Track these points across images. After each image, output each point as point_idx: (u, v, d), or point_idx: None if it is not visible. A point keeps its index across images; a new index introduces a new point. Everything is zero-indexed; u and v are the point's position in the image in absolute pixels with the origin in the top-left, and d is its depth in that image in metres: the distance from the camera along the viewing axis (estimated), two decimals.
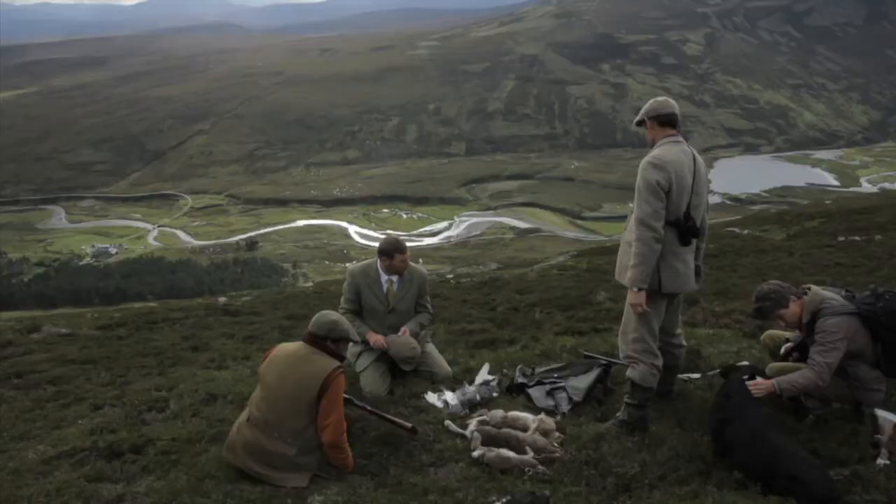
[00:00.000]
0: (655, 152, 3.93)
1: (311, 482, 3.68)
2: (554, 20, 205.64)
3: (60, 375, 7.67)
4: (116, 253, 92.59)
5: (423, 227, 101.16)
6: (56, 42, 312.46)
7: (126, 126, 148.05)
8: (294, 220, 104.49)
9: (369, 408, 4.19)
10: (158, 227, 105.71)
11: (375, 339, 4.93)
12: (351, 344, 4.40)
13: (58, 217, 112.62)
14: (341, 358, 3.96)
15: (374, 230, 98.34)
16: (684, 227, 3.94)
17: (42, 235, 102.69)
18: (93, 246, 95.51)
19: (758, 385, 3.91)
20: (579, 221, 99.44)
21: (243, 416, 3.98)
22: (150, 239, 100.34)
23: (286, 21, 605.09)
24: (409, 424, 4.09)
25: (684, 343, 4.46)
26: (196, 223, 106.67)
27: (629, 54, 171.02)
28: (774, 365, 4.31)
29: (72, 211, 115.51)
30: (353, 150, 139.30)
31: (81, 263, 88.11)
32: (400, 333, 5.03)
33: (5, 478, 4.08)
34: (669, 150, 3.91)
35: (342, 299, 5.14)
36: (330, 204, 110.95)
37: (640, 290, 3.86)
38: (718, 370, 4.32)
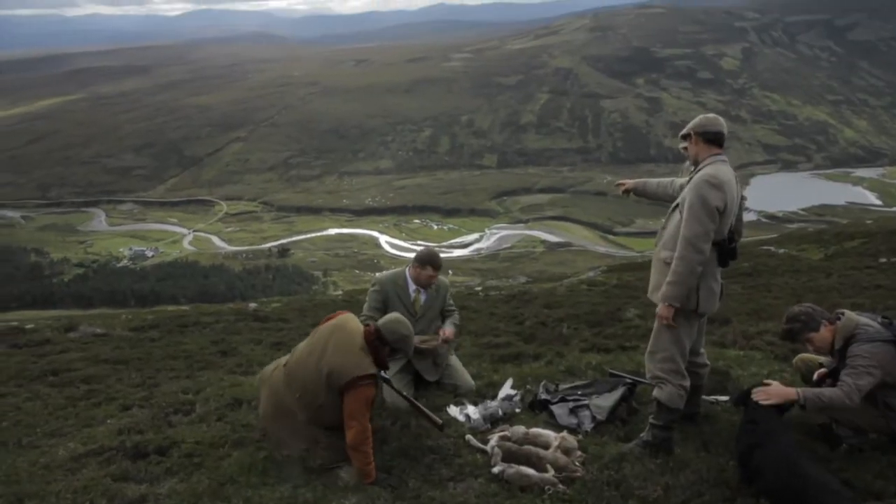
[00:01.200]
0: (710, 171, 3.79)
1: (297, 462, 3.83)
2: (589, 34, 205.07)
3: (93, 374, 7.86)
4: (152, 256, 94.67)
5: (453, 238, 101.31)
6: (103, 51, 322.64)
7: (165, 132, 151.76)
8: (326, 229, 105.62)
9: (405, 394, 4.28)
10: (194, 231, 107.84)
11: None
12: None
13: (98, 220, 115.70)
14: (385, 366, 4.03)
15: (405, 240, 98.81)
16: (727, 249, 3.85)
17: (83, 237, 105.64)
18: (130, 249, 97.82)
19: (769, 391, 3.75)
20: (610, 236, 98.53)
21: (284, 358, 4.14)
22: (186, 243, 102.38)
23: (323, 32, 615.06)
24: (439, 421, 4.13)
25: (708, 362, 4.38)
26: (230, 229, 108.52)
27: (664, 68, 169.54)
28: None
29: (112, 214, 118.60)
30: (386, 160, 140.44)
31: (119, 265, 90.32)
32: (444, 333, 5.06)
33: (36, 473, 4.20)
34: (723, 170, 3.79)
35: (366, 307, 5.13)
36: (361, 213, 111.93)
37: (671, 305, 3.80)
38: (733, 398, 4.19)
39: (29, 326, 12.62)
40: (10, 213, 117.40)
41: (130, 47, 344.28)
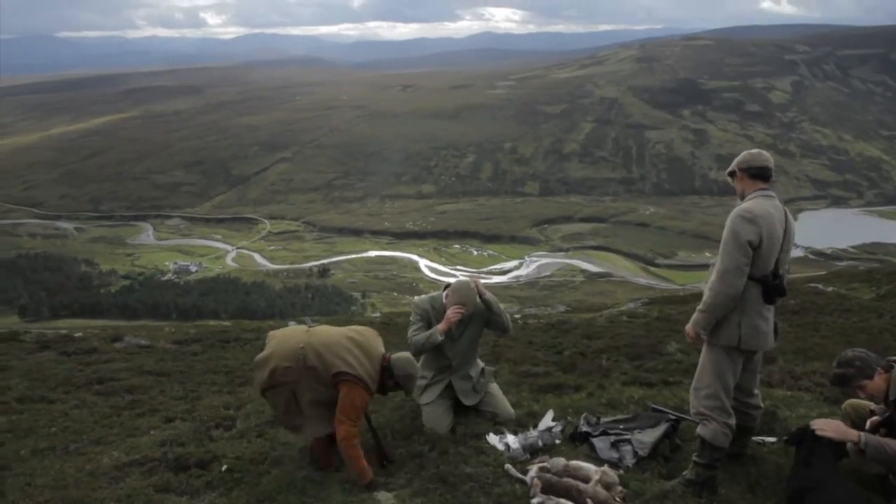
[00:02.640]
0: (746, 205, 3.80)
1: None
2: (635, 64, 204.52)
3: (137, 385, 8.04)
4: (196, 271, 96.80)
5: (493, 264, 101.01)
6: (159, 71, 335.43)
7: (214, 151, 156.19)
8: (366, 251, 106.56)
9: (371, 419, 4.41)
10: (237, 248, 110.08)
11: (446, 320, 4.81)
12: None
13: (146, 233, 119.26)
14: (384, 393, 4.28)
15: (444, 265, 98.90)
16: (771, 285, 3.78)
17: (131, 250, 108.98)
18: (175, 263, 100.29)
19: (829, 424, 3.64)
20: (652, 268, 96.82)
21: (303, 327, 4.36)
22: (229, 259, 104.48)
23: (372, 57, 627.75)
24: (390, 457, 4.26)
25: (761, 405, 4.25)
26: (272, 247, 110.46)
27: (711, 100, 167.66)
28: None
29: (159, 228, 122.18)
30: (429, 184, 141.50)
31: (163, 279, 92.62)
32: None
33: (82, 479, 4.32)
34: (760, 204, 3.79)
35: (413, 329, 4.95)
36: (402, 236, 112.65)
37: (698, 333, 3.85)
38: (787, 437, 4.04)
39: (77, 335, 13.01)
40: (64, 225, 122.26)
41: (185, 68, 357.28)
